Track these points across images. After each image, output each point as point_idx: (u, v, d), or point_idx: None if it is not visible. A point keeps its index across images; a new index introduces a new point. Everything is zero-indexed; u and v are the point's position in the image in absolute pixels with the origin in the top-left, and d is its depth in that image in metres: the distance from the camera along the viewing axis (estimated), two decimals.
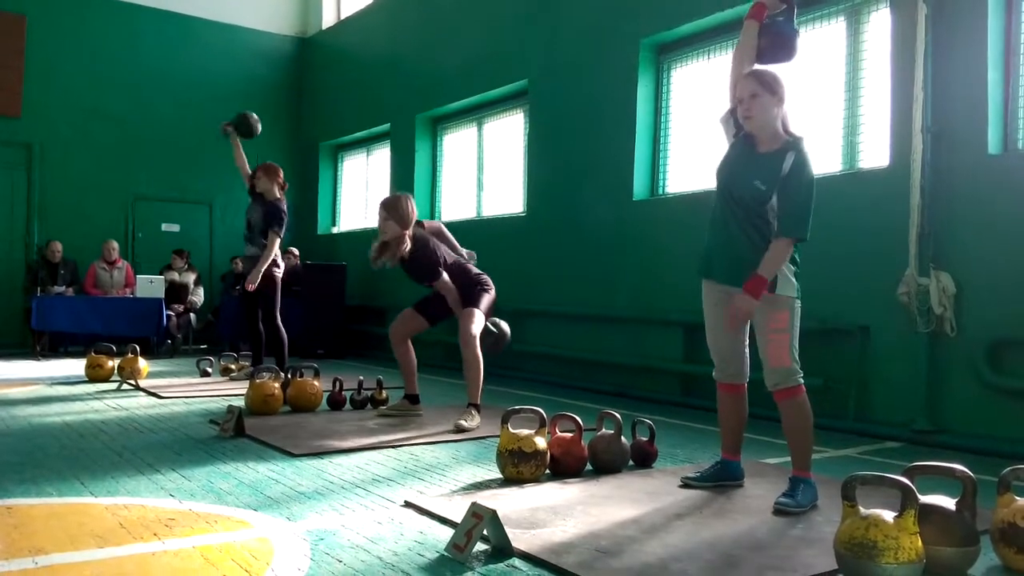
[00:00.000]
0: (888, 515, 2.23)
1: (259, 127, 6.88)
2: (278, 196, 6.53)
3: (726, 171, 3.21)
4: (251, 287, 6.32)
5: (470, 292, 4.90)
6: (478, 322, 4.82)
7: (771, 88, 3.09)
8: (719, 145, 3.40)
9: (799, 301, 3.13)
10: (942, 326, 4.69)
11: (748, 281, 3.01)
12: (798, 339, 3.13)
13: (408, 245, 4.80)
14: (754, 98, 3.09)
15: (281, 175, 6.58)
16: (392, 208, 4.79)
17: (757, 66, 3.24)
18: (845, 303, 5.07)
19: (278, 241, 6.40)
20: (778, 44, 3.33)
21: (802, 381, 3.10)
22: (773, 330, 3.08)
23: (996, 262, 4.54)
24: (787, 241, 3.03)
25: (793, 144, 3.09)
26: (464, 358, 4.82)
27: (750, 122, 3.13)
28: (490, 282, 5.02)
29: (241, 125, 6.80)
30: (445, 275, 4.85)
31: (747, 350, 3.33)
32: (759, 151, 3.14)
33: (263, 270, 6.31)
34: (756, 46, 3.31)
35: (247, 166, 6.83)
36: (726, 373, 3.34)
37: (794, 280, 3.11)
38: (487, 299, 4.93)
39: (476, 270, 5.04)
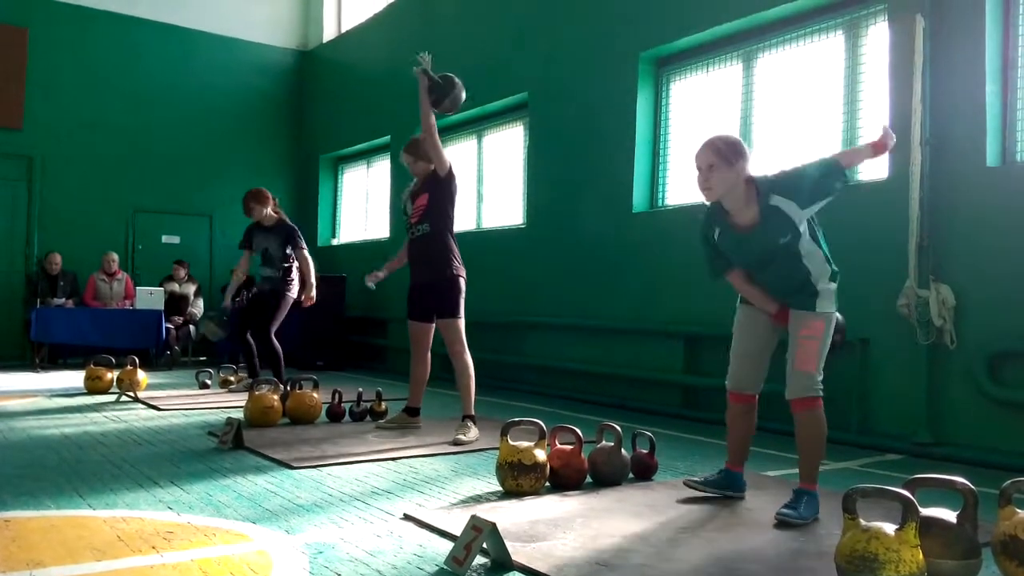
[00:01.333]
0: (889, 528, 2.22)
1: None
2: (279, 217, 6.55)
3: (748, 260, 3.20)
4: (309, 303, 6.41)
5: (447, 296, 4.81)
6: (462, 330, 4.80)
7: (727, 159, 3.05)
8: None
9: (836, 315, 3.15)
10: (942, 338, 4.69)
11: (871, 146, 3.19)
12: (826, 351, 3.13)
13: (441, 171, 4.82)
14: (711, 169, 3.06)
15: (268, 196, 6.56)
16: (414, 148, 4.89)
17: (712, 135, 3.18)
18: (845, 315, 5.02)
19: (308, 255, 6.49)
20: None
21: (821, 393, 3.09)
22: (805, 336, 3.10)
23: (995, 274, 4.54)
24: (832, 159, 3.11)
25: (764, 188, 3.05)
26: (455, 370, 4.82)
27: (709, 193, 3.11)
28: (462, 266, 4.90)
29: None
30: (452, 209, 4.86)
31: (767, 368, 3.35)
32: (745, 224, 3.10)
33: (313, 283, 6.37)
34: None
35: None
36: (742, 383, 3.34)
37: (833, 299, 3.14)
38: (462, 299, 4.85)
39: (455, 250, 4.90)
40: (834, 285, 3.16)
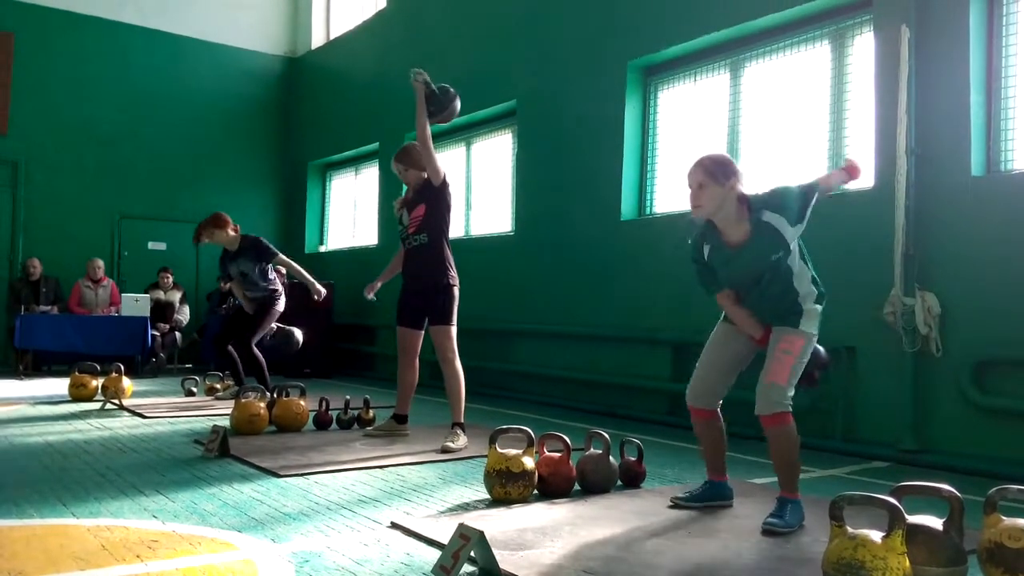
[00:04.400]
0: (876, 535, 2.23)
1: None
2: (238, 237, 6.43)
3: (737, 278, 3.19)
4: (320, 297, 6.33)
5: (439, 303, 4.81)
6: (453, 337, 4.80)
7: (716, 178, 3.05)
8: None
9: (816, 338, 3.15)
10: (928, 346, 4.72)
11: (844, 170, 3.30)
12: (799, 374, 3.12)
13: (436, 180, 4.82)
14: (701, 188, 3.07)
15: (227, 220, 6.44)
16: (406, 157, 4.88)
17: (703, 155, 3.20)
18: (831, 323, 5.04)
19: (286, 257, 6.44)
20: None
21: (790, 409, 3.10)
22: (783, 350, 3.09)
23: (980, 282, 4.58)
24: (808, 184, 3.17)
25: (757, 205, 3.06)
26: (445, 376, 4.81)
27: (699, 211, 3.11)
28: (455, 276, 4.90)
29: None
30: (449, 217, 4.86)
31: (730, 386, 3.36)
32: (735, 242, 3.11)
33: (316, 285, 6.33)
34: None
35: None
36: (700, 399, 3.35)
37: (818, 319, 3.15)
38: (455, 307, 4.86)
39: (450, 259, 4.90)
40: (819, 307, 3.15)
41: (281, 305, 6.47)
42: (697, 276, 3.34)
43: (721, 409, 3.39)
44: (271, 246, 6.46)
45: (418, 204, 4.86)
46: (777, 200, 3.07)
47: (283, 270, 10.32)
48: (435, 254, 4.82)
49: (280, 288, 6.52)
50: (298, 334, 6.20)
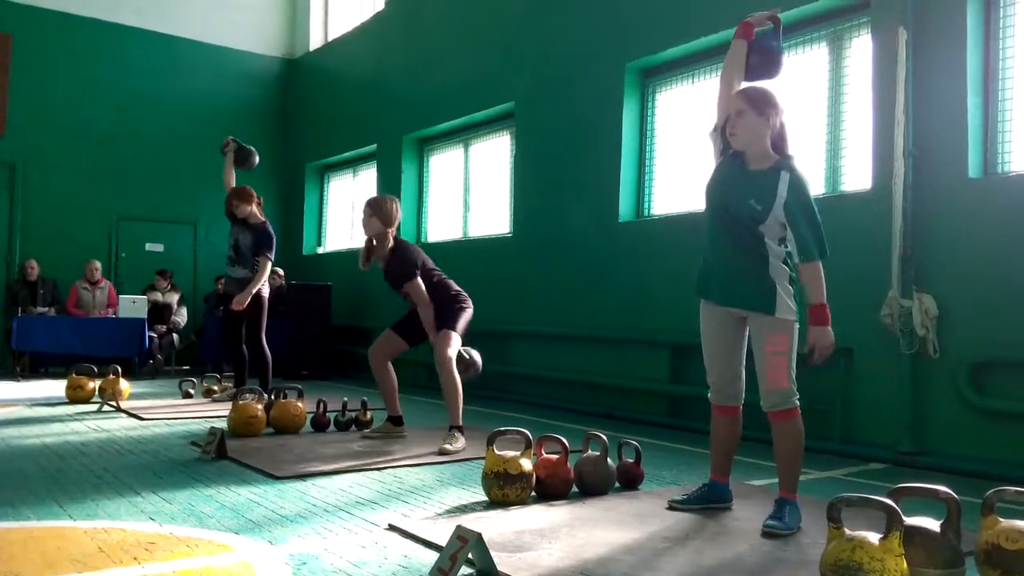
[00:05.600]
0: (873, 537, 2.23)
1: (255, 165, 6.97)
2: (262, 218, 6.59)
3: (719, 190, 3.20)
4: (238, 308, 6.30)
5: (448, 310, 4.86)
6: (454, 344, 4.80)
7: (757, 107, 3.08)
8: (705, 165, 3.42)
9: (797, 324, 3.12)
10: (925, 348, 4.72)
11: (812, 315, 3.01)
12: (795, 361, 3.12)
13: (391, 243, 4.90)
14: (740, 115, 3.09)
15: (255, 195, 6.63)
16: (376, 206, 4.91)
17: (746, 83, 3.25)
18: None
19: (269, 265, 6.44)
20: (765, 61, 3.37)
21: (798, 403, 3.10)
22: (772, 352, 3.07)
23: (978, 284, 4.58)
24: (814, 265, 3.03)
25: (784, 164, 3.08)
26: (442, 381, 4.80)
27: (735, 139, 3.13)
28: (468, 300, 4.99)
29: (243, 152, 6.86)
30: (419, 280, 4.83)
31: (743, 372, 3.32)
32: (750, 168, 3.14)
33: (252, 292, 6.30)
34: (744, 64, 3.34)
35: (233, 183, 6.83)
36: (724, 395, 3.32)
37: (792, 303, 3.10)
38: (464, 319, 4.90)
39: (455, 288, 5.01)
40: (792, 290, 3.10)
41: (266, 291, 6.52)
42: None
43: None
44: (272, 246, 6.45)
45: (396, 282, 4.91)
46: (802, 190, 3.04)
47: (280, 271, 10.38)
48: (438, 307, 4.87)
49: (266, 283, 6.53)
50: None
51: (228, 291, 6.60)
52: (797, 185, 3.04)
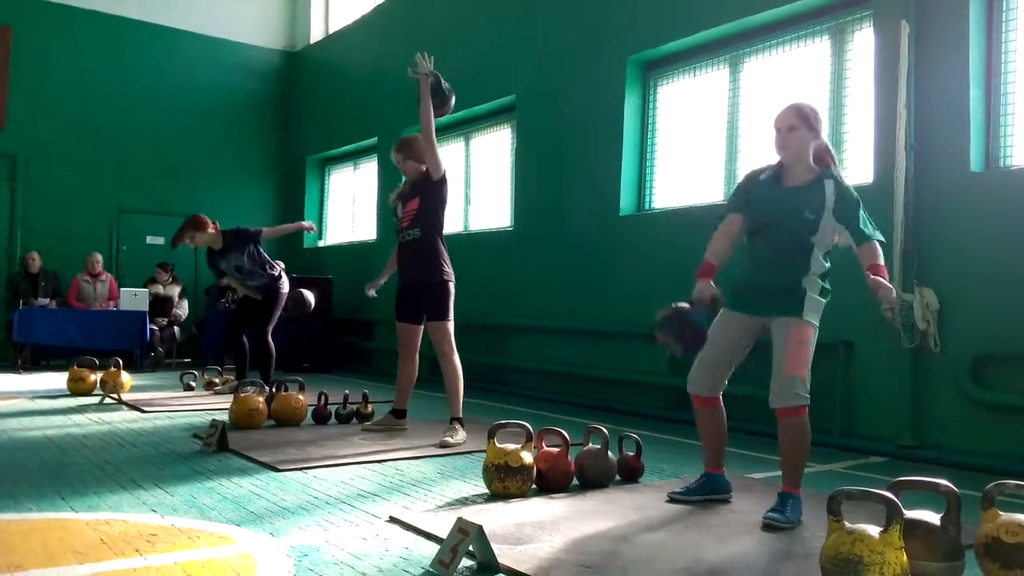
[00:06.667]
0: (873, 530, 2.23)
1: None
2: (220, 236, 6.35)
3: (768, 206, 3.23)
4: (311, 229, 6.82)
5: (434, 297, 4.79)
6: (451, 333, 4.80)
7: (808, 123, 3.18)
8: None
9: (817, 332, 3.17)
10: (926, 341, 4.72)
11: (876, 274, 3.01)
12: (811, 361, 3.14)
13: (435, 175, 4.81)
14: (791, 131, 3.17)
15: (206, 222, 6.32)
16: (406, 147, 4.89)
17: (794, 101, 3.26)
18: (830, 319, 5.06)
19: (269, 229, 6.67)
20: (696, 338, 3.25)
21: (807, 402, 3.10)
22: (796, 341, 3.11)
23: (979, 278, 4.58)
24: (875, 243, 3.11)
25: (827, 172, 3.18)
26: (443, 372, 4.80)
27: (786, 152, 3.21)
28: (451, 272, 4.86)
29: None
30: (443, 213, 4.84)
31: (730, 372, 3.36)
32: (789, 185, 3.21)
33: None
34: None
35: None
36: (707, 388, 3.35)
37: (817, 312, 3.16)
38: (451, 301, 4.83)
39: (443, 251, 4.87)
40: (823, 300, 3.18)
41: (285, 287, 6.51)
42: (729, 197, 3.37)
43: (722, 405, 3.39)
44: (250, 228, 6.43)
45: (413, 198, 4.85)
46: (848, 196, 3.13)
47: (281, 264, 10.37)
48: (428, 249, 4.80)
49: (280, 270, 6.52)
50: (308, 295, 6.29)
51: (249, 295, 6.52)
52: (843, 190, 3.14)
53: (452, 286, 4.86)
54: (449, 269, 4.87)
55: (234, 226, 6.51)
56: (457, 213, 9.16)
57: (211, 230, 6.31)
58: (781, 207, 3.19)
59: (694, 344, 3.26)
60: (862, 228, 3.12)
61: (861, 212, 3.13)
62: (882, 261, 3.10)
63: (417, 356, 5.05)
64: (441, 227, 4.89)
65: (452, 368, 4.78)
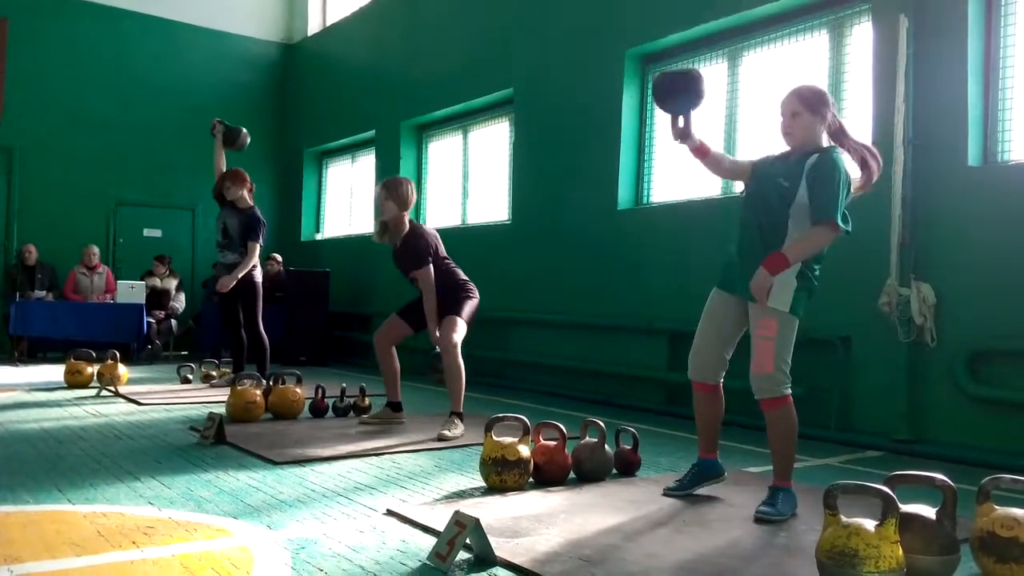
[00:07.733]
0: (869, 524, 2.24)
1: (246, 144, 6.91)
2: (251, 203, 6.54)
3: (754, 177, 3.23)
4: (223, 290, 6.33)
5: (454, 297, 4.86)
6: (460, 330, 4.80)
7: (811, 107, 3.10)
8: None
9: (795, 318, 3.08)
10: (923, 336, 4.73)
11: (767, 258, 2.98)
12: (791, 352, 3.11)
13: (406, 227, 4.88)
14: (795, 117, 3.12)
15: (248, 180, 6.59)
16: (392, 188, 4.87)
17: (796, 86, 3.19)
18: (827, 313, 5.09)
19: (258, 250, 6.42)
20: (678, 90, 3.29)
21: (788, 392, 3.10)
22: (760, 336, 3.09)
23: (976, 273, 4.58)
24: (821, 228, 2.98)
25: (821, 149, 3.10)
26: (445, 366, 4.80)
27: (791, 139, 3.15)
28: (475, 291, 4.99)
29: (231, 133, 6.80)
30: (430, 268, 4.81)
31: (728, 357, 3.35)
32: (790, 159, 3.16)
33: (240, 276, 6.30)
34: (719, 165, 3.36)
35: (223, 167, 6.82)
36: (702, 375, 3.35)
37: (791, 296, 3.05)
38: (470, 307, 4.90)
39: (463, 276, 5.01)
40: (797, 284, 3.05)
41: (259, 276, 6.53)
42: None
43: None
44: (260, 231, 6.42)
45: (408, 268, 4.87)
46: (823, 177, 3.00)
47: (278, 257, 10.37)
48: (442, 296, 4.84)
49: (256, 261, 6.50)
50: (244, 132, 6.82)
51: (219, 276, 6.57)
52: (822, 160, 3.03)
53: (474, 297, 4.92)
54: (471, 287, 4.94)
55: (259, 213, 6.57)
56: (455, 207, 9.16)
57: (245, 190, 6.54)
58: (764, 173, 3.18)
59: (683, 92, 3.29)
60: (817, 205, 2.98)
61: (830, 191, 2.97)
62: (792, 252, 2.97)
63: (393, 350, 5.05)
64: (443, 264, 4.91)
65: (455, 363, 4.77)
